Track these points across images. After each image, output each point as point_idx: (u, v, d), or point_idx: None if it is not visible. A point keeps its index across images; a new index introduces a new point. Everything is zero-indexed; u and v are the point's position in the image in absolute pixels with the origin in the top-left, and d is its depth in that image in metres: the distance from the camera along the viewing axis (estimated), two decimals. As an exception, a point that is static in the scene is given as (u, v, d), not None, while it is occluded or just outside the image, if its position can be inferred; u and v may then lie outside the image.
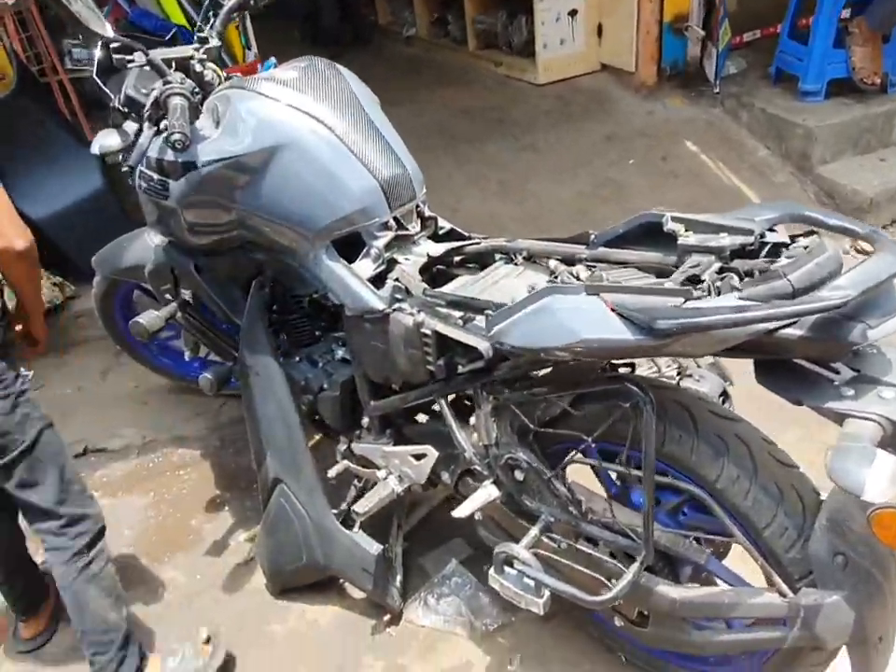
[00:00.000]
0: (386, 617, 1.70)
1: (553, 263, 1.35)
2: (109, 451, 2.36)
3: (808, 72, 3.25)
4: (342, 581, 1.79)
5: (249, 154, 1.37)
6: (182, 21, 2.94)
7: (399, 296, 1.36)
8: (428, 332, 1.30)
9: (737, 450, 1.12)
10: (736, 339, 0.90)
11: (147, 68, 1.56)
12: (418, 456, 1.49)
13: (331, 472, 1.68)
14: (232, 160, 1.37)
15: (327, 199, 1.37)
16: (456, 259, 1.47)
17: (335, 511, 1.67)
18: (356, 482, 1.76)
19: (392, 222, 1.41)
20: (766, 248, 1.06)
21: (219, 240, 1.56)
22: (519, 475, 1.28)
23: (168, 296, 1.89)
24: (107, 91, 1.58)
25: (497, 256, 1.44)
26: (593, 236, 1.32)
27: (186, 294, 1.86)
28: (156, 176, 1.47)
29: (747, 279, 0.99)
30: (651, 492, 1.07)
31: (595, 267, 1.25)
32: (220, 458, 2.29)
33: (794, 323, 0.89)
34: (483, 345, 1.21)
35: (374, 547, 1.63)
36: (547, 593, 1.21)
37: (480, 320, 1.25)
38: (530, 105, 3.69)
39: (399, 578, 1.70)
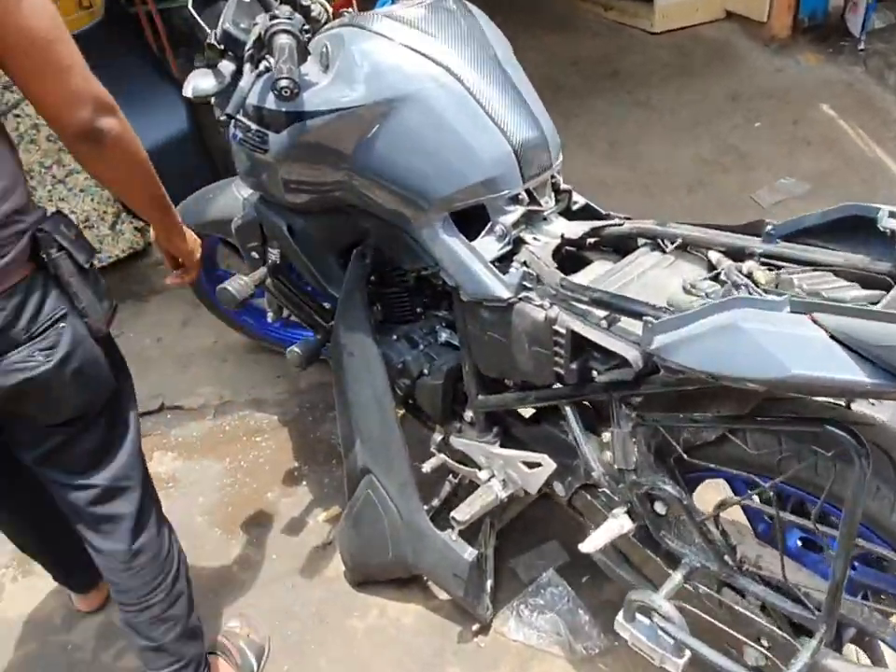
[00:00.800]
0: (475, 626, 1.56)
1: (714, 256, 1.12)
2: (186, 409, 2.28)
3: (978, 29, 2.82)
4: (425, 578, 1.66)
5: (364, 106, 1.17)
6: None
7: (528, 283, 1.15)
8: (562, 331, 1.09)
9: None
10: None
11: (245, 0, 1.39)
12: (531, 465, 1.31)
13: (426, 467, 1.53)
14: (344, 112, 1.18)
15: (451, 164, 1.17)
16: (591, 241, 1.25)
17: (426, 508, 1.52)
18: (450, 478, 1.60)
19: (524, 195, 1.19)
20: None
21: (320, 200, 1.39)
22: (660, 508, 1.09)
23: (255, 254, 1.74)
24: (203, 24, 1.41)
25: (641, 241, 1.22)
26: (770, 227, 1.08)
27: (273, 255, 1.70)
28: (254, 126, 1.29)
29: None
30: (848, 559, 0.86)
31: (777, 267, 1.02)
32: (299, 426, 2.17)
33: None
34: (633, 355, 1.01)
35: (468, 552, 1.48)
36: (688, 653, 1.02)
37: (628, 323, 1.05)
38: (645, 56, 3.35)
39: (490, 583, 1.55)
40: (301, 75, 1.15)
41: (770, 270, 1.02)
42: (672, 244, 1.17)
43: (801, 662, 0.90)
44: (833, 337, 0.75)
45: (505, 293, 1.16)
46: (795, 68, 3.22)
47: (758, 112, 3.00)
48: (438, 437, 1.57)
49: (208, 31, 1.38)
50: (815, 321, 0.78)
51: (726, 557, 1.02)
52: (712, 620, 1.05)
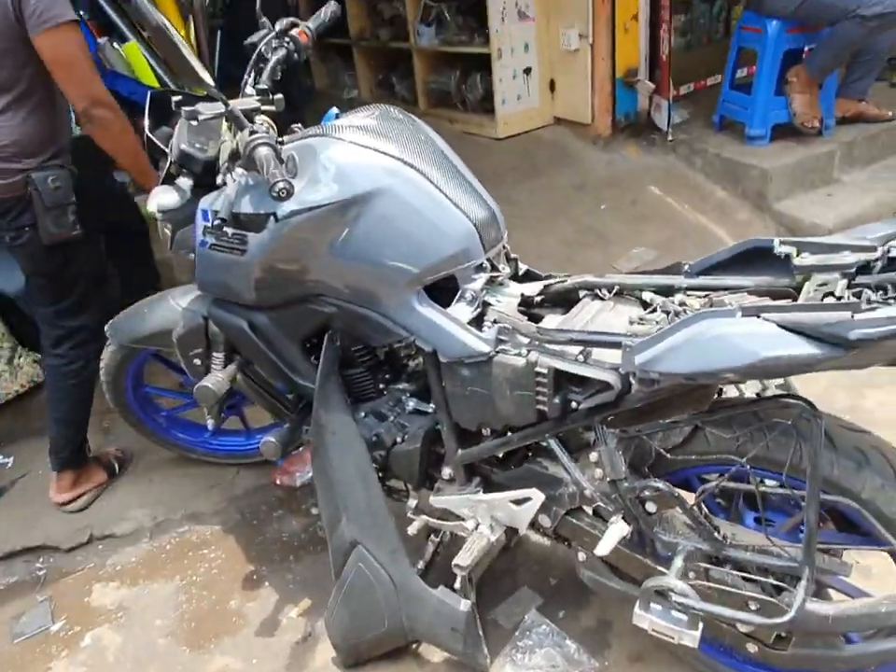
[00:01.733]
0: (476, 679, 1.62)
1: (647, 296, 1.37)
2: (118, 535, 2.18)
3: (754, 118, 3.51)
4: (414, 646, 1.70)
5: (340, 202, 1.33)
6: (154, 84, 2.86)
7: (504, 337, 1.34)
8: (544, 370, 1.28)
9: (876, 460, 1.15)
10: (917, 345, 0.94)
11: (195, 123, 1.52)
12: (519, 501, 1.45)
13: (411, 530, 1.61)
14: (323, 208, 1.33)
15: (423, 243, 1.35)
16: (540, 298, 1.47)
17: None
18: (432, 537, 1.69)
19: (486, 263, 1.40)
20: (888, 263, 1.12)
21: (289, 293, 1.50)
22: (651, 507, 1.27)
23: (197, 361, 1.80)
24: (163, 147, 1.52)
25: (582, 293, 1.45)
26: (686, 266, 1.36)
27: (216, 358, 1.77)
28: (231, 231, 1.40)
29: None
30: (817, 508, 1.08)
31: (704, 295, 1.28)
32: (246, 532, 2.15)
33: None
34: (613, 378, 1.21)
35: (463, 604, 1.56)
36: (701, 625, 1.18)
37: (600, 354, 1.25)
38: (495, 160, 3.80)
39: (482, 635, 1.63)
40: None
41: (699, 298, 1.28)
42: (609, 291, 1.42)
43: (798, 599, 1.10)
44: (782, 326, 0.99)
45: (485, 348, 1.33)
46: (621, 160, 3.79)
47: (601, 197, 3.49)
48: (413, 502, 1.67)
49: (168, 153, 1.49)
50: (764, 319, 1.02)
51: (715, 535, 1.21)
52: (729, 590, 1.22)
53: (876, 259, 1.11)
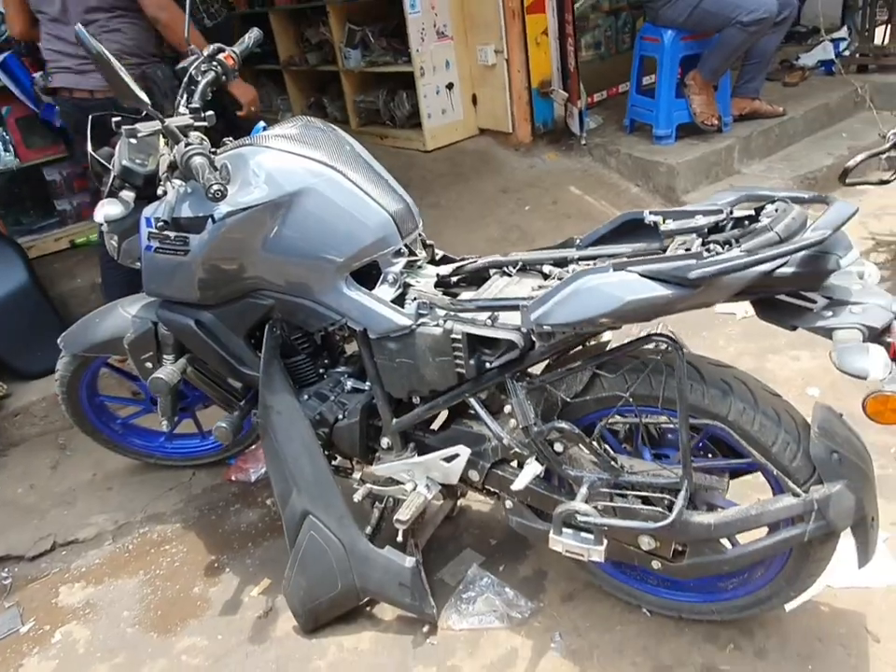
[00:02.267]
0: (425, 628, 1.78)
1: (546, 268, 1.57)
2: (81, 540, 2.27)
3: (659, 120, 3.81)
4: (367, 607, 1.86)
5: (272, 201, 1.50)
6: (90, 113, 2.98)
7: (423, 311, 1.52)
8: (459, 336, 1.47)
9: (738, 388, 1.37)
10: (746, 281, 1.16)
11: (134, 140, 1.68)
12: (449, 459, 1.63)
13: (356, 497, 1.77)
14: (255, 208, 1.50)
15: (347, 234, 1.53)
16: (454, 279, 1.66)
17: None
18: (376, 504, 1.85)
19: (404, 249, 1.58)
20: (734, 223, 1.35)
21: (231, 290, 1.66)
22: (559, 447, 1.46)
23: (148, 364, 1.94)
24: (105, 163, 1.67)
25: (492, 271, 1.65)
26: (577, 240, 1.57)
27: (167, 359, 1.91)
28: (173, 234, 1.56)
29: (735, 241, 1.26)
30: (687, 427, 1.29)
31: (591, 262, 1.49)
32: (206, 526, 2.27)
33: (787, 263, 1.16)
34: (516, 336, 1.41)
35: (408, 560, 1.73)
36: (605, 541, 1.38)
37: (505, 317, 1.45)
38: (424, 170, 4.01)
39: (428, 588, 1.79)
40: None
41: (587, 265, 1.49)
42: (515, 268, 1.62)
43: (678, 505, 1.30)
44: (643, 275, 1.20)
45: (407, 321, 1.52)
46: (541, 164, 4.05)
47: (525, 199, 3.73)
48: (357, 474, 1.84)
49: (110, 168, 1.64)
50: (629, 270, 1.23)
51: (613, 464, 1.41)
52: (626, 506, 1.42)
53: (724, 221, 1.34)
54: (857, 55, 4.59)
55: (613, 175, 3.89)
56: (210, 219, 1.53)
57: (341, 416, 1.75)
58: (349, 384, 1.78)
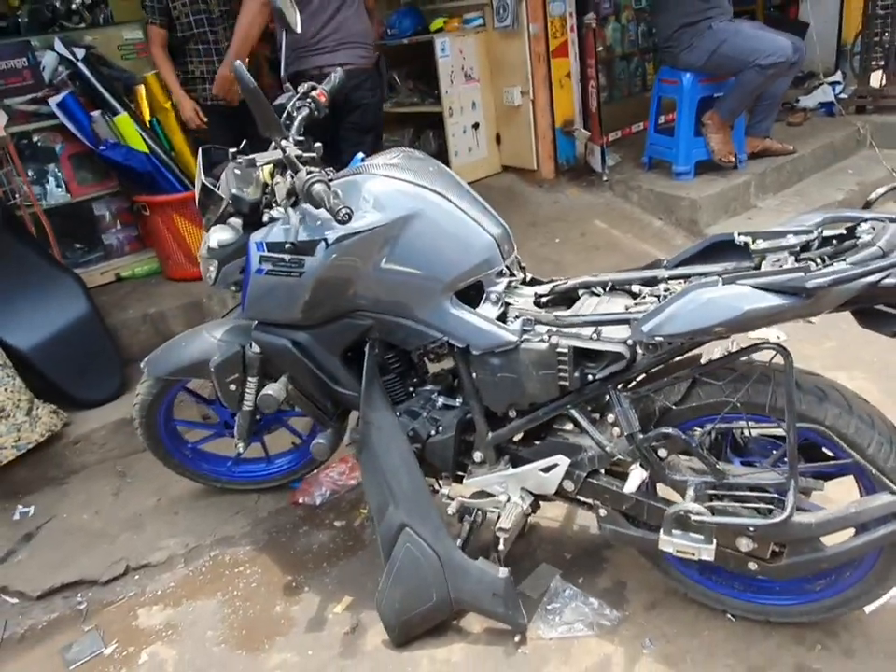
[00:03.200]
0: (516, 638, 1.83)
1: (636, 288, 1.68)
2: (154, 564, 2.29)
3: (679, 157, 3.99)
4: (454, 620, 1.90)
5: (383, 225, 1.60)
6: (143, 148, 3.09)
7: (527, 327, 1.62)
8: (565, 350, 1.56)
9: (832, 394, 1.47)
10: (855, 291, 1.26)
11: (238, 172, 1.78)
12: (547, 469, 1.70)
13: (450, 510, 1.84)
14: (367, 232, 1.60)
15: (455, 256, 1.63)
16: (548, 298, 1.76)
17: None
18: (465, 517, 1.91)
19: (505, 270, 1.68)
20: (822, 242, 1.46)
21: (333, 310, 1.74)
22: (663, 452, 1.55)
23: (233, 387, 2.02)
24: (218, 192, 1.76)
25: (581, 291, 1.75)
26: (665, 261, 1.68)
27: (251, 382, 1.98)
28: (288, 257, 1.64)
29: (828, 258, 1.38)
30: (795, 431, 1.38)
31: (683, 281, 1.59)
32: (277, 549, 2.30)
33: (890, 274, 1.27)
34: (624, 348, 1.50)
35: (501, 570, 1.78)
36: (715, 541, 1.46)
37: (608, 331, 1.54)
38: (453, 205, 4.13)
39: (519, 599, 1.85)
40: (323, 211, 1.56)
41: (680, 283, 1.59)
42: (604, 288, 1.72)
43: (790, 501, 1.39)
44: (756, 287, 1.31)
45: (513, 338, 1.61)
46: (565, 199, 4.21)
47: (553, 232, 3.87)
48: (446, 489, 1.90)
49: (223, 197, 1.74)
50: (740, 283, 1.33)
51: (718, 466, 1.50)
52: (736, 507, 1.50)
53: (813, 239, 1.45)
54: (856, 97, 4.84)
55: (636, 209, 4.05)
56: (323, 243, 1.62)
57: (434, 432, 1.82)
58: (440, 400, 1.86)
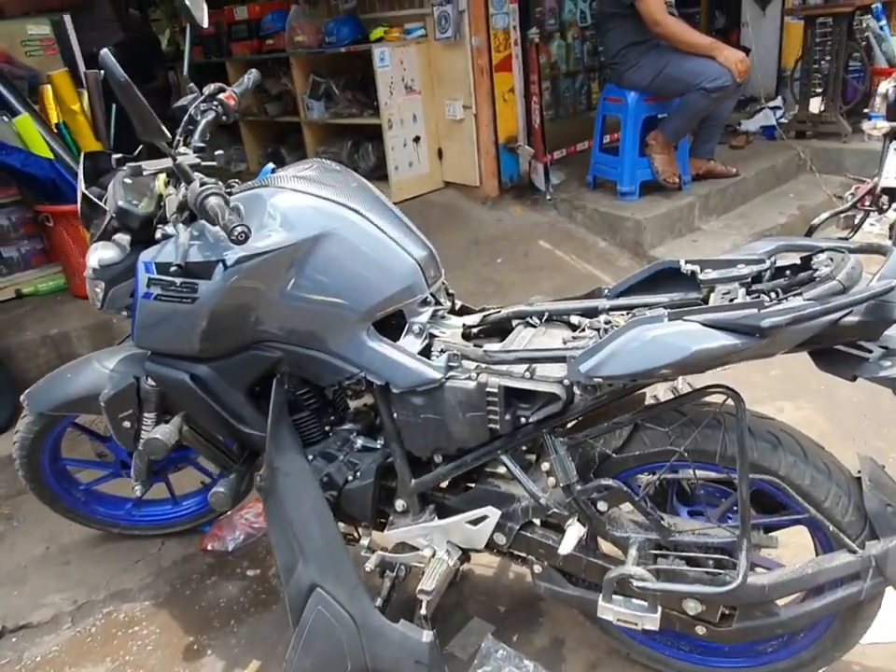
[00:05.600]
0: (442, 711, 1.63)
1: (575, 319, 1.52)
2: (35, 625, 2.01)
3: (623, 177, 3.90)
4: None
5: (290, 246, 1.40)
6: (47, 154, 2.82)
7: (453, 363, 1.43)
8: (494, 390, 1.38)
9: (786, 440, 1.33)
10: (814, 330, 1.12)
11: (129, 181, 1.56)
12: (476, 521, 1.52)
13: (368, 566, 1.63)
14: (272, 253, 1.39)
15: (372, 282, 1.44)
16: (478, 329, 1.58)
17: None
18: (387, 573, 1.71)
19: (430, 297, 1.50)
20: (775, 272, 1.33)
21: (236, 341, 1.53)
22: (603, 506, 1.38)
23: (127, 423, 1.78)
24: (102, 204, 1.54)
25: (514, 322, 1.58)
26: (606, 290, 1.53)
27: (147, 418, 1.76)
28: (178, 280, 1.43)
29: (781, 290, 1.24)
30: (748, 483, 1.23)
31: (626, 312, 1.44)
32: (180, 603, 2.06)
33: (851, 312, 1.14)
34: (559, 389, 1.33)
35: (425, 634, 1.58)
36: (660, 609, 1.29)
37: (543, 369, 1.37)
38: (392, 221, 3.95)
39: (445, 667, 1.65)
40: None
41: (622, 315, 1.44)
42: (540, 318, 1.55)
43: (742, 566, 1.23)
44: (705, 324, 1.15)
45: (437, 375, 1.42)
46: (509, 218, 4.07)
47: (496, 251, 3.72)
48: (365, 540, 1.70)
49: (106, 209, 1.51)
50: (687, 320, 1.18)
51: (663, 523, 1.34)
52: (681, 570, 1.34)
53: (766, 269, 1.32)
54: (796, 122, 4.86)
55: (580, 229, 3.94)
56: (221, 265, 1.41)
57: (351, 478, 1.62)
58: (359, 442, 1.66)
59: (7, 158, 2.68)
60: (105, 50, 1.20)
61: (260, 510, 2.29)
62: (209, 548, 2.21)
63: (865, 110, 4.81)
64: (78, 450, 2.21)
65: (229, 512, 2.26)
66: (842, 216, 3.20)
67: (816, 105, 4.83)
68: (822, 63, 4.71)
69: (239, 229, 1.25)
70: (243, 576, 2.13)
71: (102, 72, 2.98)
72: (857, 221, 3.17)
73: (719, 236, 3.84)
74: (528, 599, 1.92)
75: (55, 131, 2.89)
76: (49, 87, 2.91)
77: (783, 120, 4.96)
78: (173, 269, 1.32)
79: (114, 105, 3.06)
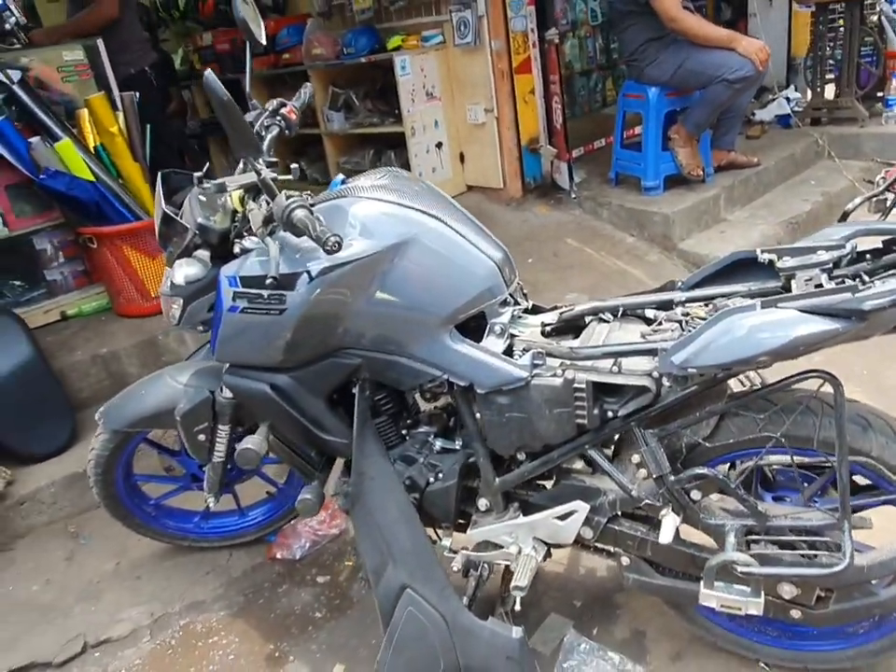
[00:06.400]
0: (533, 705, 1.65)
1: (650, 313, 1.54)
2: (115, 639, 2.04)
3: (647, 172, 3.92)
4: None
5: (373, 254, 1.42)
6: (89, 176, 2.85)
7: (538, 361, 1.46)
8: (582, 386, 1.40)
9: (876, 422, 1.35)
10: (913, 312, 1.15)
11: (203, 198, 1.59)
12: (564, 516, 1.54)
13: (455, 565, 1.66)
14: (355, 262, 1.42)
15: (455, 285, 1.46)
16: (552, 326, 1.61)
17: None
18: (472, 573, 1.73)
19: (509, 298, 1.53)
20: (857, 257, 1.35)
21: (318, 350, 1.56)
22: (696, 495, 1.40)
23: (202, 437, 1.81)
24: (183, 222, 1.56)
25: (587, 319, 1.60)
26: (679, 283, 1.55)
27: (222, 431, 1.79)
28: (266, 293, 1.45)
29: (869, 274, 1.26)
30: (847, 465, 1.25)
31: (704, 304, 1.46)
32: (255, 612, 2.08)
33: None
34: (649, 381, 1.36)
35: (515, 631, 1.60)
36: (763, 593, 1.31)
37: (629, 363, 1.40)
38: (420, 227, 3.98)
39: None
40: (303, 240, 1.37)
41: (700, 307, 1.46)
42: (614, 314, 1.57)
43: (847, 547, 1.25)
44: (802, 310, 1.18)
45: (523, 374, 1.44)
46: (534, 218, 4.09)
47: (526, 252, 3.74)
48: (447, 541, 1.72)
49: (188, 227, 1.54)
50: (781, 307, 1.20)
51: (760, 508, 1.36)
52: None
53: (847, 254, 1.34)
54: (811, 109, 4.88)
55: (607, 226, 3.96)
56: (306, 275, 1.44)
57: (433, 479, 1.64)
58: (438, 444, 1.68)
59: (52, 182, 2.72)
60: (208, 71, 1.23)
61: (323, 517, 2.32)
62: (277, 556, 2.24)
63: (880, 94, 4.86)
64: (145, 465, 2.24)
65: (293, 522, 2.29)
66: (873, 200, 3.21)
67: (829, 91, 4.86)
68: (835, 50, 4.74)
69: (333, 239, 1.27)
70: (314, 583, 2.15)
71: (137, 94, 3.04)
72: (889, 204, 3.18)
73: (746, 226, 3.86)
74: (603, 593, 1.94)
75: (94, 153, 2.92)
76: (85, 111, 2.94)
77: (797, 109, 4.98)
78: (269, 281, 1.35)
79: (148, 126, 3.10)
